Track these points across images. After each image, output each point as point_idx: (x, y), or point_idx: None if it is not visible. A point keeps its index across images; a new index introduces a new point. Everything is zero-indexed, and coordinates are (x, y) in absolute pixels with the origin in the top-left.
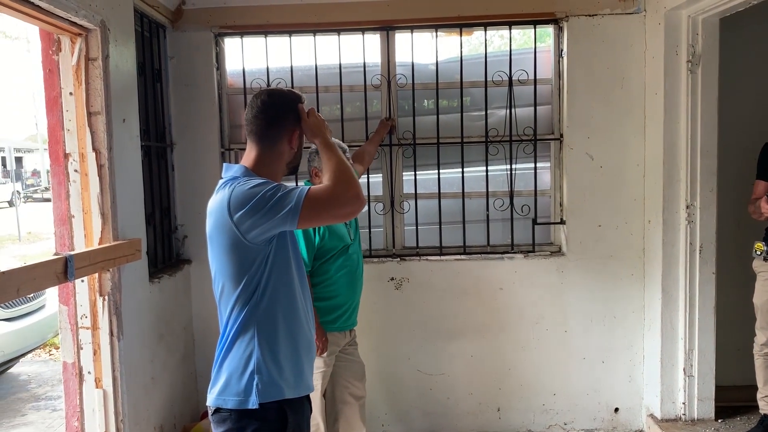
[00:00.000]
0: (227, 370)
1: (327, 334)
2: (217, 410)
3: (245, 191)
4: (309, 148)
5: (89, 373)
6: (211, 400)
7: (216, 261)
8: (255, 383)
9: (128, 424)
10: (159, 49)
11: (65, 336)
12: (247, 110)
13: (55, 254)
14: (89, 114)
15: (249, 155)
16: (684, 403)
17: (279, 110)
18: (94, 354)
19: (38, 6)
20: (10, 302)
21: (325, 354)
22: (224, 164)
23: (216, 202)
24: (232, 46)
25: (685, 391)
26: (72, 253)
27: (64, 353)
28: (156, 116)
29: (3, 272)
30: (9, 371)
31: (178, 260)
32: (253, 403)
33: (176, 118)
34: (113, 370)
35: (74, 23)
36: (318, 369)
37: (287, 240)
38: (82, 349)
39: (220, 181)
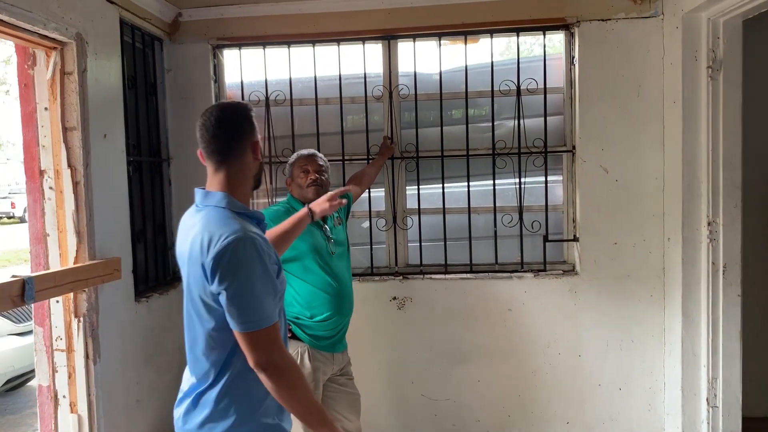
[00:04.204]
0: (226, 420)
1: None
2: None
3: (234, 268)
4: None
5: (64, 397)
6: None
7: (199, 305)
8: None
9: None
10: (154, 62)
11: (40, 358)
12: (202, 132)
13: (13, 276)
14: (65, 129)
15: (218, 178)
16: None
17: (236, 122)
18: (69, 377)
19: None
20: (22, 317)
21: None
22: (198, 189)
23: (193, 240)
24: (230, 58)
25: (708, 423)
26: (32, 274)
27: (40, 376)
28: (149, 130)
29: None
30: (28, 384)
31: (174, 278)
32: None
33: (174, 132)
34: (89, 395)
35: (45, 36)
36: None
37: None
38: (57, 372)
39: (197, 210)
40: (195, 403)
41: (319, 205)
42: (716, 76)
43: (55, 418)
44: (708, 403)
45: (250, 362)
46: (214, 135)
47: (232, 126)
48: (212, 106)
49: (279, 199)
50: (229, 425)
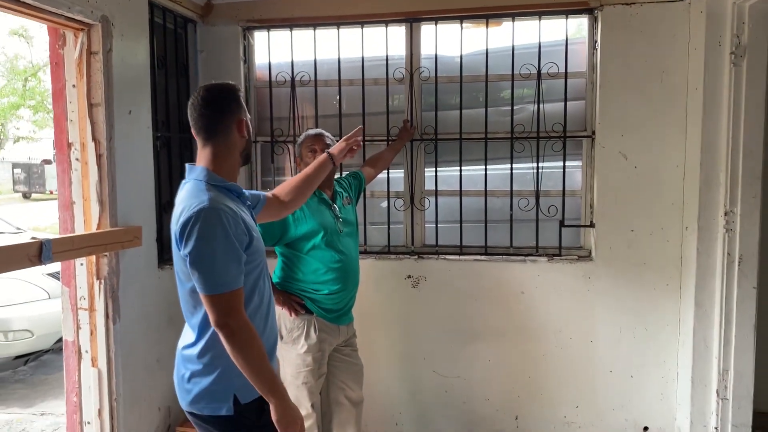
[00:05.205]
0: (210, 377)
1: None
2: (197, 415)
3: (196, 235)
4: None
5: (86, 352)
6: (192, 406)
7: (179, 269)
8: (235, 386)
9: (122, 403)
10: (186, 43)
11: (66, 315)
12: (190, 111)
13: (32, 238)
14: (90, 105)
15: (204, 154)
16: (716, 428)
17: (221, 102)
18: (91, 334)
19: (27, 3)
20: None
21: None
22: (187, 165)
23: (176, 211)
24: (260, 39)
25: (717, 414)
26: (50, 237)
27: (65, 332)
28: (180, 108)
29: None
30: None
31: None
32: (229, 410)
33: None
34: (108, 351)
35: (72, 18)
36: (306, 366)
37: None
38: (80, 329)
39: (183, 182)
40: (184, 359)
41: (337, 147)
42: (739, 62)
43: (79, 370)
44: (718, 395)
45: (211, 322)
46: (200, 114)
47: (217, 105)
48: (200, 87)
49: None
50: (213, 379)
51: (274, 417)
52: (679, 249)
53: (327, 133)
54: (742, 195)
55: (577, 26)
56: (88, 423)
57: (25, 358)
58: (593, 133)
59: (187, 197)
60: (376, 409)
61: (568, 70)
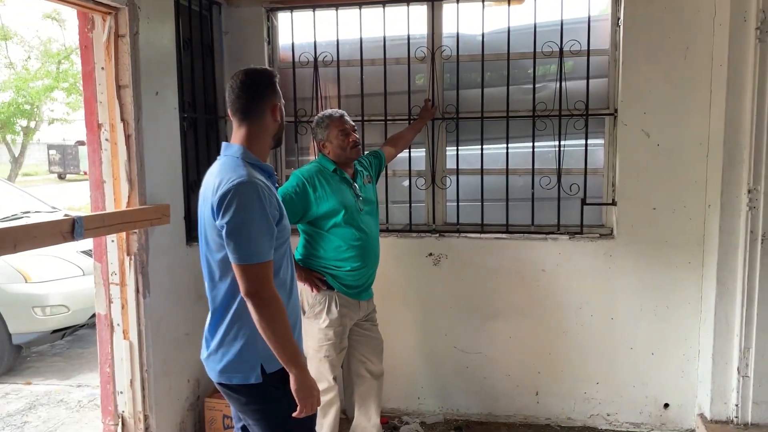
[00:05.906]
0: (236, 346)
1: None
2: (226, 385)
3: (234, 207)
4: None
5: (118, 325)
6: (222, 376)
7: (211, 240)
8: (261, 355)
9: (153, 375)
10: (211, 25)
11: (99, 290)
12: (228, 92)
13: (65, 216)
14: (118, 87)
15: (239, 134)
16: (737, 405)
17: (258, 86)
18: (122, 308)
19: None
20: None
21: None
22: (223, 143)
23: (210, 183)
24: (283, 20)
25: (738, 392)
26: (82, 215)
27: (98, 305)
28: (206, 89)
29: (1, 229)
30: None
31: None
32: (258, 377)
33: None
34: (138, 324)
35: (100, 3)
36: (328, 340)
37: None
38: (112, 302)
39: (219, 158)
40: (212, 332)
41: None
42: (765, 38)
43: (111, 342)
44: (739, 373)
45: (241, 291)
46: (237, 96)
47: (253, 90)
48: (239, 71)
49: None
50: (239, 348)
51: (293, 387)
52: (701, 227)
53: (346, 113)
54: (766, 172)
55: (606, 4)
56: (121, 393)
57: (61, 332)
58: (615, 110)
59: (224, 171)
60: (397, 384)
61: (591, 48)
